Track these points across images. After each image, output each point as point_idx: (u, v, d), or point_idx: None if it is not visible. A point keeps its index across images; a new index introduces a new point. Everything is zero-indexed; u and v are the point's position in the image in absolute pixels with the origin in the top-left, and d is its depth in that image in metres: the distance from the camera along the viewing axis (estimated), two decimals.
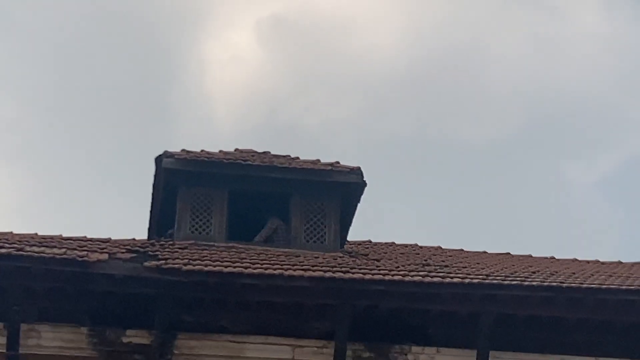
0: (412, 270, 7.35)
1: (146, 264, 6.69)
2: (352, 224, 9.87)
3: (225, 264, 7.02)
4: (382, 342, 7.17)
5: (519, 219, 26.90)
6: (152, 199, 9.76)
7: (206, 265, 6.88)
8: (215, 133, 27.05)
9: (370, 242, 10.41)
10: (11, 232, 7.85)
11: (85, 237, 8.10)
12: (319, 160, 9.46)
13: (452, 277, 7.09)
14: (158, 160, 8.99)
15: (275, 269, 6.92)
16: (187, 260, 6.99)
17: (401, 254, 9.39)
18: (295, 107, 29.09)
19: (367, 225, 11.97)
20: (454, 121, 29.01)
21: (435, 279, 6.98)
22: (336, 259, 8.01)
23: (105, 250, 6.96)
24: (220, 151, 9.51)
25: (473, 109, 29.09)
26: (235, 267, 6.91)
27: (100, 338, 6.87)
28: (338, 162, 9.39)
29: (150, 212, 9.90)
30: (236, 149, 9.78)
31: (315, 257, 8.00)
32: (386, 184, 21.47)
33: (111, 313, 6.88)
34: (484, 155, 29.03)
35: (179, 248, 7.99)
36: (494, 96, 29.25)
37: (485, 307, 6.97)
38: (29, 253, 6.53)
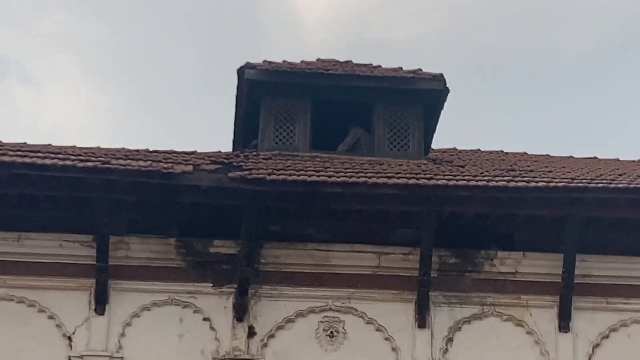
0: (497, 176, 7.31)
1: (231, 174, 6.74)
2: (437, 132, 9.90)
3: (309, 173, 7.07)
4: (467, 248, 7.26)
5: (608, 125, 27.25)
6: (236, 110, 9.83)
7: (290, 175, 6.92)
8: (303, 49, 27.11)
9: (455, 149, 10.38)
10: (98, 147, 7.97)
11: (170, 150, 8.15)
12: (401, 68, 9.35)
13: (537, 182, 7.04)
14: (240, 71, 8.96)
15: (359, 177, 6.92)
16: (271, 170, 7.03)
17: (486, 160, 9.33)
18: (382, 21, 28.80)
19: (452, 133, 12.26)
20: (545, 32, 29.34)
21: (520, 184, 6.93)
22: (420, 166, 8.01)
23: (190, 162, 7.01)
24: (302, 61, 9.44)
25: (566, 20, 29.32)
26: (319, 176, 6.95)
27: (188, 249, 7.06)
28: (420, 70, 9.28)
29: (235, 124, 10.03)
30: (318, 59, 9.71)
31: (399, 165, 7.99)
32: (472, 93, 23.09)
33: (198, 224, 7.04)
34: (574, 65, 29.36)
35: (263, 158, 8.07)
36: (588, 6, 29.26)
37: (571, 211, 6.96)
38: (116, 166, 6.62)
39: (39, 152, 6.97)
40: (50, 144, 7.91)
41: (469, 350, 7.15)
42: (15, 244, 7.01)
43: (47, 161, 6.58)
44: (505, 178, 7.19)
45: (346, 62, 9.68)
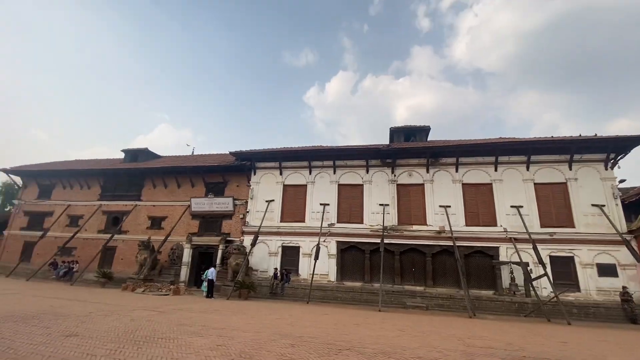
0: (446, 143, 35.02)
1: (389, 147, 34.46)
2: (430, 136, 38.64)
3: (403, 146, 35.05)
4: (441, 158, 34.62)
5: None
6: (389, 137, 39.08)
7: (397, 146, 34.96)
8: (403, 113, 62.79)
9: (434, 140, 38.61)
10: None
11: (373, 144, 36.52)
12: (423, 125, 38.03)
13: (452, 144, 34.66)
14: (391, 128, 38.26)
15: (413, 145, 35.02)
16: (396, 146, 35.05)
17: (448, 140, 37.32)
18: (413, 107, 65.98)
19: (433, 136, 42.62)
20: None
21: (453, 144, 34.47)
22: (426, 143, 36.13)
23: (381, 146, 35.16)
24: (402, 125, 39.77)
25: None
26: (406, 145, 34.96)
27: (379, 159, 34.92)
28: (427, 125, 37.78)
29: (389, 139, 39.24)
30: (405, 125, 39.92)
31: (422, 143, 36.11)
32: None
33: (383, 155, 34.75)
34: None
35: (395, 144, 36.34)
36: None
37: (460, 149, 34.15)
38: (356, 147, 34.81)
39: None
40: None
41: (436, 178, 34.00)
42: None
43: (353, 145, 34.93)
44: (448, 144, 34.33)
45: (409, 125, 37.98)
